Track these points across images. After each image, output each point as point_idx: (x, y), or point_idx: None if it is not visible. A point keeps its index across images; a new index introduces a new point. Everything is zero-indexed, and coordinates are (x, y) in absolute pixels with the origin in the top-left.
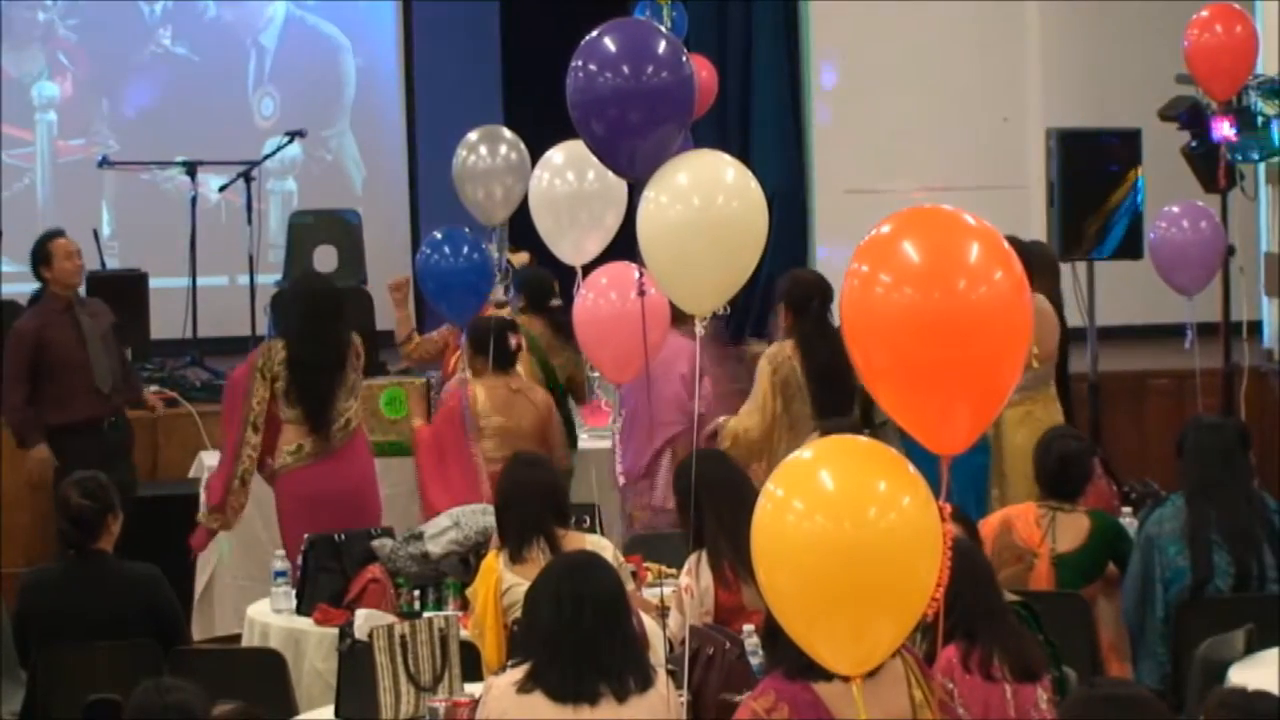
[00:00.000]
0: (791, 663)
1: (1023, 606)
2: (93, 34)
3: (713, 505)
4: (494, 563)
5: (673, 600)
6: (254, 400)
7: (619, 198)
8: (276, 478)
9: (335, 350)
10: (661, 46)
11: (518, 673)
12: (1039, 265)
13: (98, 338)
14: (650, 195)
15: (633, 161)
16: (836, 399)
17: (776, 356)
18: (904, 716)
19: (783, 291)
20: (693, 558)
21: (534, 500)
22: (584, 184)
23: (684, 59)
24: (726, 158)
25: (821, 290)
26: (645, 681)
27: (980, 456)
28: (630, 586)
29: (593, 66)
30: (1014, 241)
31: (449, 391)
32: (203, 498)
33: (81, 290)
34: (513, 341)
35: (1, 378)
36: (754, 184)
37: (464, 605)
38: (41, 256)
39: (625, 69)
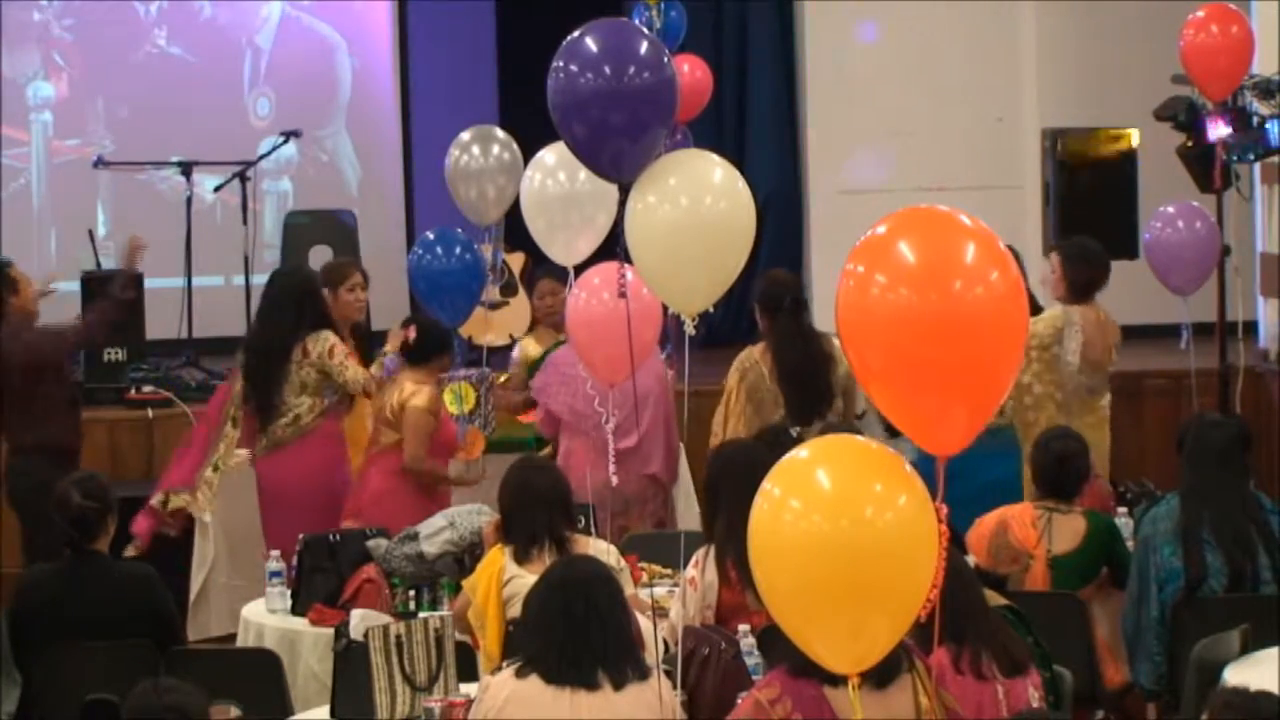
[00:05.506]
0: (795, 662)
1: (1010, 610)
2: (88, 34)
3: (729, 500)
4: (499, 555)
5: (677, 594)
6: (236, 392)
7: (610, 198)
8: (255, 467)
9: (279, 336)
10: (643, 47)
11: (515, 666)
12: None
13: None
14: (638, 196)
15: (615, 163)
16: (809, 400)
17: (744, 362)
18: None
19: (757, 293)
20: (701, 550)
21: (542, 506)
22: (575, 184)
23: (666, 60)
24: (714, 158)
25: (794, 290)
26: (642, 673)
27: (1002, 467)
28: (630, 590)
29: (574, 67)
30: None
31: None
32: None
33: None
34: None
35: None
36: (742, 184)
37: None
38: (8, 285)
39: (607, 70)
